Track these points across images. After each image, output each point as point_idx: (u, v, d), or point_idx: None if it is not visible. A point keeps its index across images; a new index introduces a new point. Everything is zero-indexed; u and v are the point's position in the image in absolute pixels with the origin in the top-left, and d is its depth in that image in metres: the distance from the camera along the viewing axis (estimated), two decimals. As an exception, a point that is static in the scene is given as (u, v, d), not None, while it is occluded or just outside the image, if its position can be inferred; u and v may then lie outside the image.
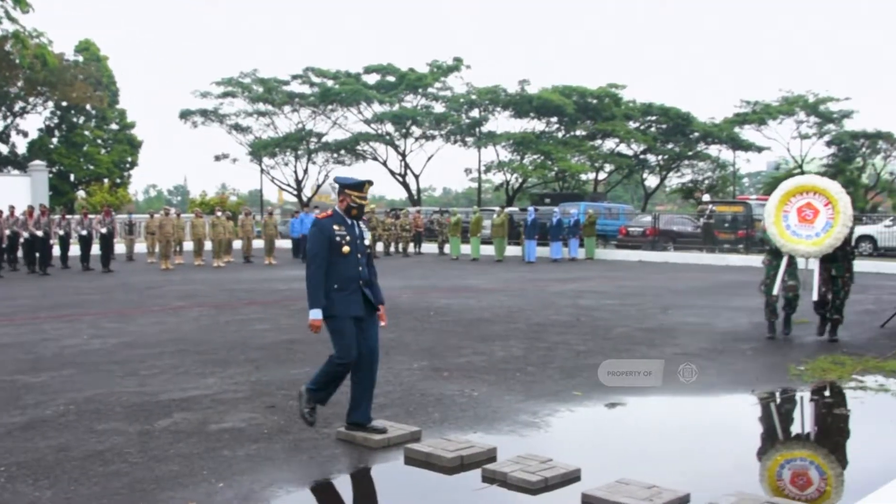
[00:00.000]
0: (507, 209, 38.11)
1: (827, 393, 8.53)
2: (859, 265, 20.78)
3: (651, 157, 61.08)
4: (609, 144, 59.12)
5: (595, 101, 56.04)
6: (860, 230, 30.31)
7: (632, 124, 57.97)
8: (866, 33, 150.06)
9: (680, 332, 12.34)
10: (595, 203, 40.27)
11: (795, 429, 7.62)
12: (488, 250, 31.62)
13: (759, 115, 58.08)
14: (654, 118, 58.52)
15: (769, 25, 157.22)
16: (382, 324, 6.78)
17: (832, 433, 7.28)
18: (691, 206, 57.20)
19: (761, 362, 10.07)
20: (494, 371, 9.27)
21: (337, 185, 6.71)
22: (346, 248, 6.42)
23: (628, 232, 34.41)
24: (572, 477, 5.52)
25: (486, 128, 56.79)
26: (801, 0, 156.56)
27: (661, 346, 11.07)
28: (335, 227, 6.46)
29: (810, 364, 9.78)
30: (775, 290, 11.44)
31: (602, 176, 62.96)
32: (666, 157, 60.44)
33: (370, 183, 6.77)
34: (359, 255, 6.52)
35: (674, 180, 64.49)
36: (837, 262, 11.48)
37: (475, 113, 56.90)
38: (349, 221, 6.56)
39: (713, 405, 8.24)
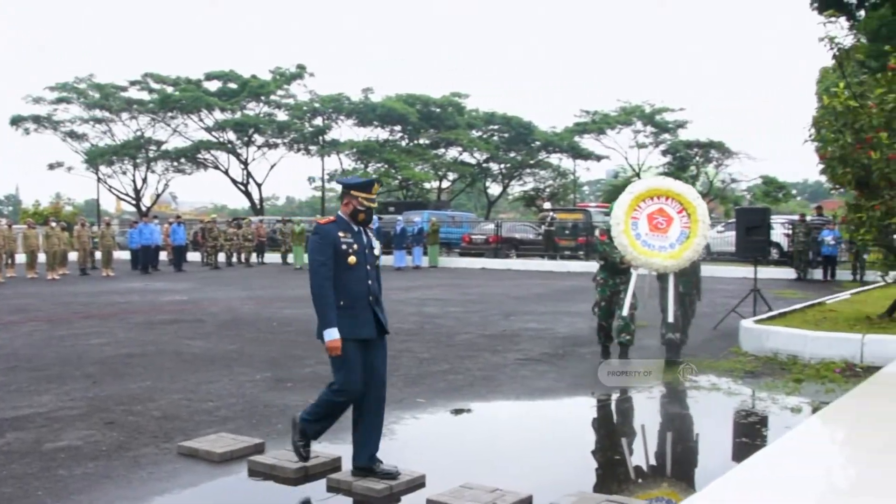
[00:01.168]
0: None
1: (664, 393, 8.86)
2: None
3: (494, 166, 62.22)
4: (452, 153, 59.93)
5: (439, 110, 56.73)
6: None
7: (475, 133, 58.99)
8: (700, 47, 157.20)
9: (522, 337, 12.58)
10: (439, 211, 40.64)
11: (634, 428, 7.87)
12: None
13: (599, 124, 59.92)
14: (496, 127, 59.67)
15: (608, 37, 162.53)
16: None
17: (668, 431, 7.58)
18: (533, 214, 58.51)
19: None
20: (339, 381, 9.23)
21: (340, 188, 6.10)
22: (352, 259, 5.68)
23: (471, 240, 34.90)
24: (417, 483, 5.55)
25: (329, 136, 56.66)
26: (640, 14, 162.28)
27: (503, 351, 11.26)
28: (340, 233, 5.71)
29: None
30: (625, 311, 9.88)
31: (446, 184, 63.69)
32: (508, 165, 61.69)
33: (379, 182, 6.18)
34: (368, 268, 5.79)
35: (516, 188, 65.88)
36: (686, 276, 10.44)
37: (318, 121, 56.74)
38: (356, 228, 5.82)
39: (554, 408, 8.42)
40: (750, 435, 7.21)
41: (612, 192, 62.74)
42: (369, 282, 5.76)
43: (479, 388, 8.89)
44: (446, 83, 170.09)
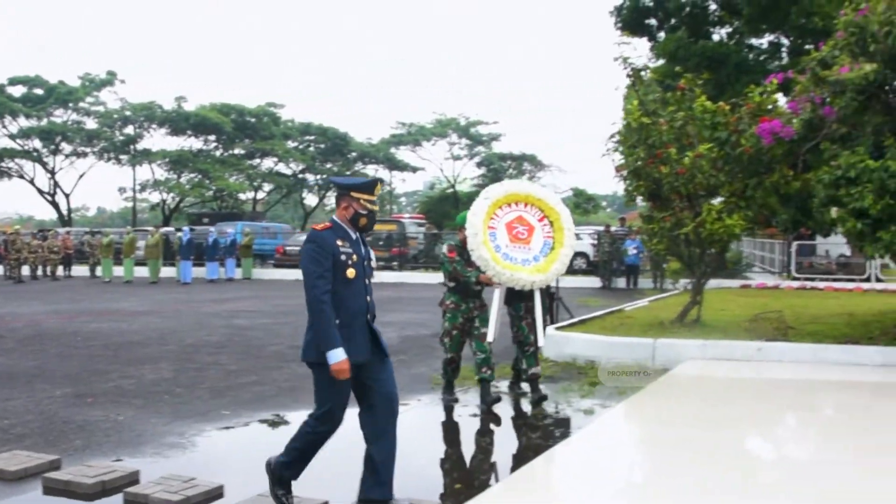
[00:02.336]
0: (163, 229, 37.14)
1: (466, 398, 9.09)
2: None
3: (310, 177, 62.00)
4: (268, 163, 59.40)
5: (254, 120, 56.16)
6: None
7: (290, 143, 58.72)
8: (515, 62, 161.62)
9: (332, 347, 12.66)
10: (253, 222, 40.21)
11: (428, 434, 8.04)
12: (143, 272, 30.62)
13: (415, 136, 60.86)
14: (312, 138, 59.67)
15: (425, 50, 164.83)
16: None
17: (463, 435, 7.82)
18: (352, 225, 58.54)
19: (406, 374, 10.49)
20: (143, 395, 9.08)
21: (336, 189, 5.38)
22: (351, 272, 5.07)
23: (286, 251, 34.65)
24: (215, 494, 5.55)
25: (141, 145, 55.04)
26: (455, 28, 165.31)
27: (313, 362, 11.32)
28: (338, 242, 5.09)
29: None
30: (490, 337, 8.45)
31: (261, 195, 63.05)
32: (325, 176, 61.64)
33: (382, 182, 5.61)
34: (366, 281, 5.24)
35: (333, 199, 65.82)
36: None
37: (130, 129, 54.95)
38: (354, 236, 5.21)
39: (354, 416, 8.55)
40: (543, 436, 7.55)
41: (428, 203, 63.79)
42: (367, 297, 5.22)
43: (283, 399, 8.93)
44: (262, 93, 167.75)
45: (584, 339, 11.41)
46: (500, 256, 8.24)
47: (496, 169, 59.97)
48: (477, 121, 59.86)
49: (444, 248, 8.69)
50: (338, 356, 4.89)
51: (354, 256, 5.10)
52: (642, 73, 12.19)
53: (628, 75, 12.15)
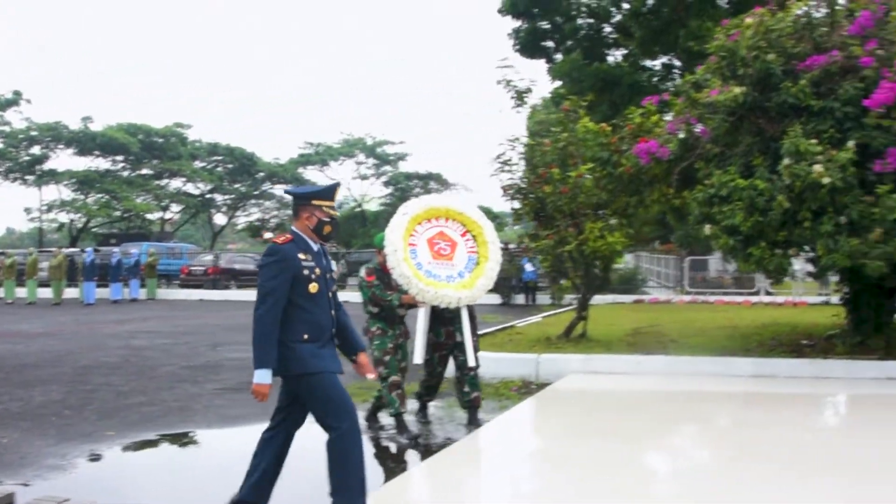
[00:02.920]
0: (67, 250, 36.38)
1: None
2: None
3: (218, 197, 61.38)
4: (176, 184, 58.62)
5: (161, 140, 55.35)
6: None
7: (198, 164, 58.06)
8: (421, 82, 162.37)
9: (225, 367, 12.65)
10: (160, 243, 39.72)
11: (304, 449, 8.08)
12: (47, 293, 29.97)
13: (322, 156, 60.72)
14: (220, 158, 59.00)
15: (331, 70, 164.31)
16: (371, 376, 5.54)
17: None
18: (261, 245, 58.26)
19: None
20: (30, 416, 8.95)
21: (295, 200, 5.11)
22: (313, 286, 4.87)
23: (190, 271, 34.34)
24: (85, 512, 5.60)
25: (47, 165, 53.74)
26: (353, 46, 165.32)
27: (203, 382, 11.29)
28: (300, 255, 4.87)
29: (349, 387, 10.47)
30: (418, 359, 7.99)
31: (170, 215, 62.21)
32: (233, 196, 61.08)
33: (339, 185, 5.34)
34: (329, 295, 5.02)
35: (242, 219, 65.33)
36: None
37: (35, 150, 53.64)
38: (316, 247, 4.99)
39: (240, 436, 8.57)
40: (421, 450, 7.69)
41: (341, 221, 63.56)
42: (332, 311, 5.02)
43: (171, 419, 8.90)
44: (169, 113, 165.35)
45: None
46: (423, 274, 7.81)
47: (403, 188, 60.22)
48: (384, 140, 60.19)
49: (363, 272, 8.07)
50: (264, 377, 4.72)
51: (318, 270, 4.91)
52: (525, 95, 12.48)
53: (511, 97, 12.45)
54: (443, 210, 8.26)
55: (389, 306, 7.86)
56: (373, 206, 63.06)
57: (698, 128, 10.94)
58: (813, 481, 6.00)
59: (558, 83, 27.32)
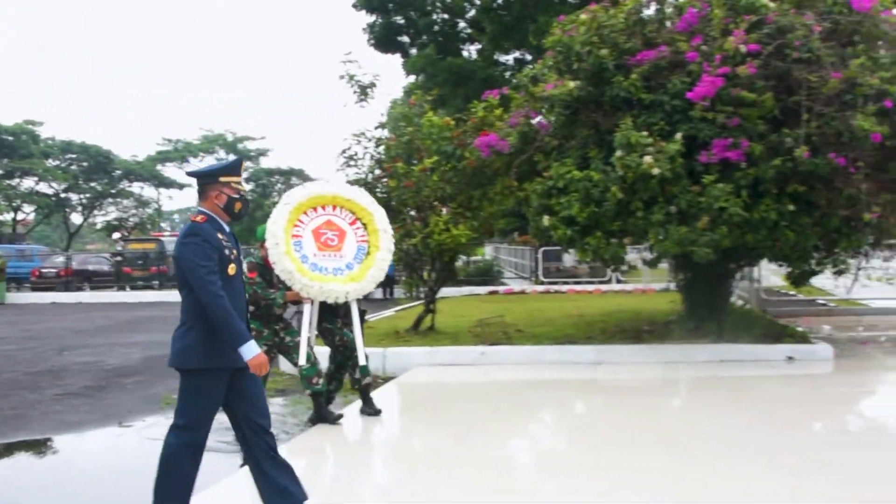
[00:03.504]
0: None
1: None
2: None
3: (74, 196, 59.29)
4: (28, 183, 56.28)
5: (11, 138, 53.02)
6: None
7: (51, 162, 55.86)
8: (282, 77, 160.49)
9: (68, 372, 12.25)
10: (10, 245, 38.11)
11: (133, 457, 7.69)
12: None
13: (181, 152, 59.42)
14: (74, 156, 56.89)
15: (187, 64, 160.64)
16: None
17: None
18: (112, 245, 56.60)
19: (139, 395, 10.33)
20: None
21: (199, 180, 4.80)
22: (232, 268, 4.66)
23: (41, 273, 33.08)
24: None
25: None
26: (216, 44, 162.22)
27: (44, 388, 10.91)
28: (219, 235, 4.64)
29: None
30: (302, 359, 7.54)
31: (22, 216, 59.72)
32: (89, 195, 59.08)
33: (244, 160, 5.07)
34: (243, 278, 4.88)
35: (100, 218, 63.30)
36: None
37: None
38: (228, 228, 4.76)
39: (77, 443, 8.36)
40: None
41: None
42: (246, 295, 4.90)
43: (4, 428, 8.60)
44: (19, 110, 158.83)
45: (317, 350, 11.56)
46: (308, 267, 7.45)
47: (264, 184, 59.58)
48: (244, 136, 59.42)
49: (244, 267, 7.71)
50: (253, 349, 4.51)
51: (234, 251, 4.74)
52: (369, 90, 12.50)
53: (355, 92, 12.45)
54: (329, 197, 7.79)
55: (272, 304, 7.52)
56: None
57: (537, 121, 11.17)
58: (650, 460, 6.21)
59: (413, 78, 27.44)
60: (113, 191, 59.38)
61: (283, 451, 6.84)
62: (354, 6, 27.10)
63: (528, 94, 11.23)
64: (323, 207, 7.77)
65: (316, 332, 7.95)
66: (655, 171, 9.76)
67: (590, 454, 6.47)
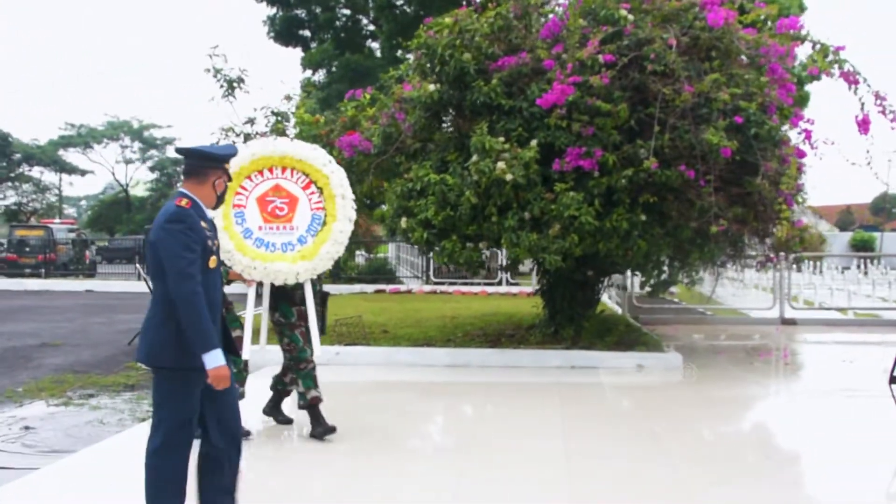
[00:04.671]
0: None
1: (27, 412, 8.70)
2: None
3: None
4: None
5: None
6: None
7: (-57, 144, 54.15)
8: (188, 66, 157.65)
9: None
10: None
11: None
12: None
13: (84, 138, 58.09)
14: (-32, 136, 55.24)
15: (96, 50, 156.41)
16: None
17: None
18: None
19: (-16, 385, 10.04)
20: None
21: (198, 160, 4.47)
22: (213, 260, 4.37)
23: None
24: None
25: None
26: (125, 28, 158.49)
27: None
28: (202, 224, 4.36)
29: (31, 384, 10.01)
30: (245, 354, 6.76)
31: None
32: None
33: None
34: (221, 269, 4.64)
35: (-1, 203, 61.50)
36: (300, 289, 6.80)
37: None
38: (209, 216, 4.48)
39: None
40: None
41: (101, 207, 61.15)
42: (223, 289, 4.62)
43: None
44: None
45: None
46: (251, 244, 6.47)
47: (170, 173, 58.59)
48: (151, 124, 58.38)
49: None
50: (218, 359, 4.21)
51: (216, 241, 4.48)
52: (237, 84, 12.30)
53: (221, 86, 12.25)
54: (277, 158, 6.61)
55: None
56: (139, 192, 60.96)
57: (405, 123, 11.13)
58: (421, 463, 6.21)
59: (309, 73, 27.24)
60: (12, 175, 57.70)
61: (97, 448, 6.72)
62: (255, -2, 26.78)
63: (391, 94, 11.19)
64: (270, 170, 6.62)
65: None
66: (508, 176, 9.80)
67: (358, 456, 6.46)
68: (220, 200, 4.54)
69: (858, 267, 28.54)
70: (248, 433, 6.70)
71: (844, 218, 67.92)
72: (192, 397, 4.35)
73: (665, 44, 10.06)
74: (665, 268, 12.18)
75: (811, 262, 26.54)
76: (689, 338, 14.20)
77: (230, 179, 4.59)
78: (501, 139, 10.10)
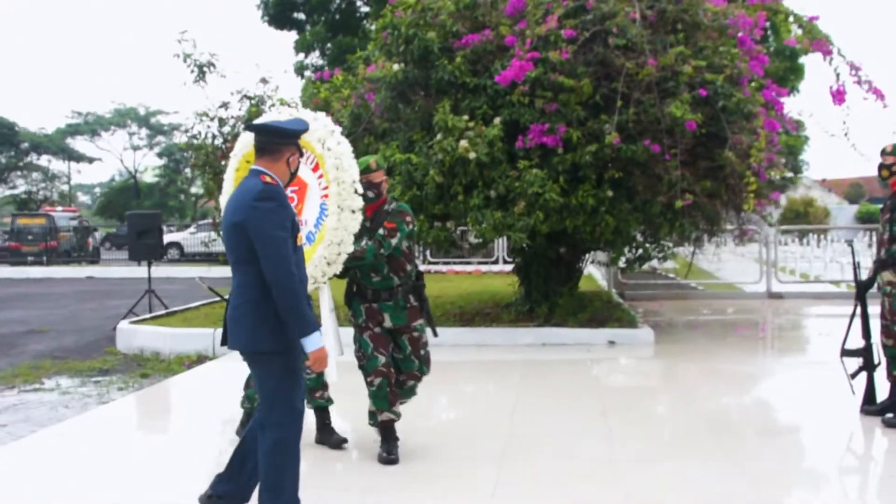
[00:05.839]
0: None
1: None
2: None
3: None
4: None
5: None
6: (168, 237, 32.00)
7: (-50, 133, 54.29)
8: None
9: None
10: None
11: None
12: None
13: (92, 125, 58.23)
14: (-25, 126, 55.38)
15: (101, 37, 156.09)
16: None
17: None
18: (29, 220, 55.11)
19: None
20: None
21: (274, 136, 4.32)
22: (300, 237, 4.33)
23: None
24: None
25: None
26: (132, 15, 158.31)
27: None
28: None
29: (7, 371, 10.08)
30: (334, 358, 5.33)
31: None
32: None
33: None
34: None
35: (6, 192, 61.69)
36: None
37: None
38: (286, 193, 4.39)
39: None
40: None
41: (109, 195, 61.36)
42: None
43: None
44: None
45: (150, 331, 11.47)
46: None
47: (178, 159, 58.63)
48: (157, 110, 58.38)
49: None
50: (318, 341, 4.14)
51: (298, 218, 4.38)
52: (206, 69, 12.26)
53: (192, 71, 12.22)
54: None
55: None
56: (147, 178, 61.17)
57: (372, 103, 11.11)
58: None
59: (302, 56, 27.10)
60: (21, 164, 57.88)
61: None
62: (249, -19, 26.72)
63: (356, 76, 11.17)
64: None
65: None
66: (472, 155, 9.78)
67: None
68: (292, 177, 4.38)
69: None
70: (344, 440, 6.29)
71: (855, 191, 67.42)
72: (301, 381, 4.30)
73: (628, 17, 9.99)
74: (637, 244, 12.10)
75: (815, 235, 26.29)
76: (670, 313, 14.17)
77: (301, 155, 4.45)
78: (466, 118, 10.08)
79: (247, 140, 5.42)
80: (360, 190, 5.28)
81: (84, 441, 6.78)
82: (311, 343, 4.11)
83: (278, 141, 4.29)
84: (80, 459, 6.24)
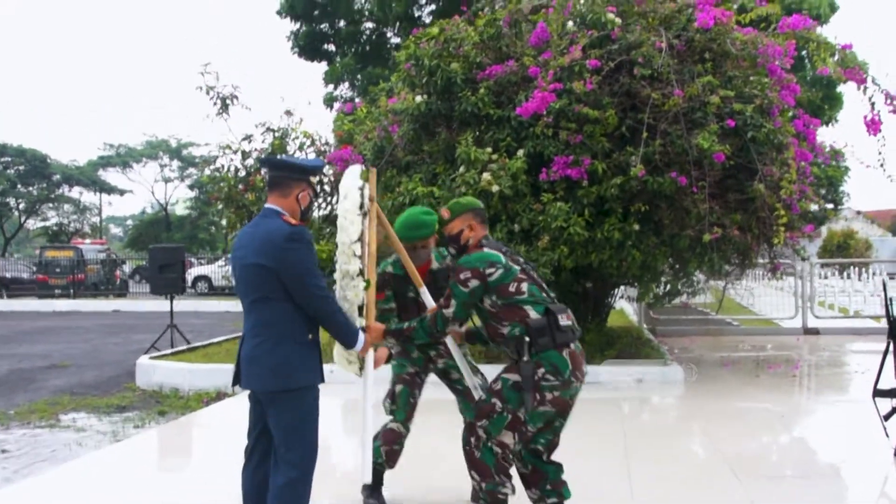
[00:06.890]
0: None
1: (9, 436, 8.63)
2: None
3: (11, 201, 58.25)
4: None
5: (-59, 141, 52.17)
6: (196, 271, 32.07)
7: (-15, 166, 54.95)
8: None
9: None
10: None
11: None
12: None
13: (123, 157, 58.71)
14: (9, 160, 55.91)
15: (133, 70, 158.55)
16: None
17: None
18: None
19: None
20: None
21: (288, 172, 4.31)
22: None
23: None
24: None
25: None
26: (161, 50, 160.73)
27: None
28: None
29: (25, 406, 9.99)
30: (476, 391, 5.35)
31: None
32: (26, 200, 58.07)
33: None
34: None
35: (39, 224, 62.25)
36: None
37: None
38: None
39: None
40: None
41: (140, 227, 61.75)
42: None
43: None
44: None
45: (169, 366, 11.33)
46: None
47: (209, 191, 58.83)
48: (189, 143, 58.72)
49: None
50: (362, 341, 4.37)
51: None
52: (230, 101, 12.22)
53: (215, 103, 12.18)
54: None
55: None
56: (179, 210, 61.49)
57: (395, 135, 10.98)
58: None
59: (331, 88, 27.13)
60: (52, 196, 58.37)
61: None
62: (279, 13, 26.73)
63: (378, 108, 11.06)
64: None
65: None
66: (494, 188, 9.59)
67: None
68: (303, 215, 4.33)
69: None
70: None
71: (899, 222, 66.57)
72: (317, 417, 4.27)
73: (654, 47, 9.80)
74: (666, 279, 11.81)
75: (856, 269, 25.73)
76: (701, 349, 13.84)
77: (316, 195, 4.30)
78: (489, 150, 9.90)
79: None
80: (358, 252, 4.49)
81: (93, 480, 6.62)
82: (359, 344, 4.36)
83: (289, 176, 4.28)
84: (87, 500, 6.08)
